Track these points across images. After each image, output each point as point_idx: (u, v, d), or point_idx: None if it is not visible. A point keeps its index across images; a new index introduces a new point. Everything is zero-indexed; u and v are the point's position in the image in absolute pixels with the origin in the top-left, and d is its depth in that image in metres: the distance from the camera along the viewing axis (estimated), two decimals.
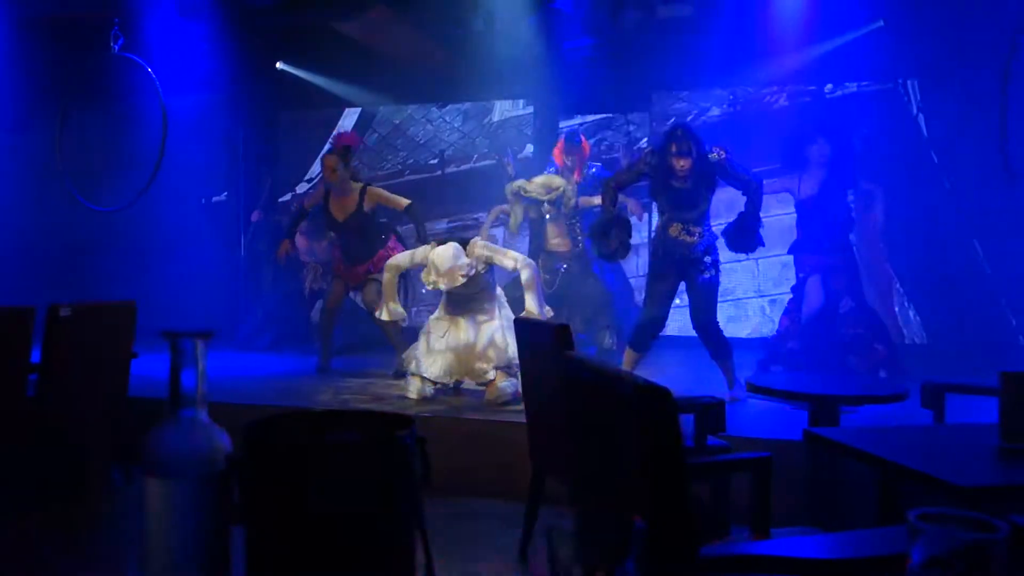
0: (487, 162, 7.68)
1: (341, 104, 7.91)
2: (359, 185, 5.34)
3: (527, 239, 6.02)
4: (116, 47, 5.75)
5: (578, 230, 5.70)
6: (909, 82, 6.63)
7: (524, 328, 2.92)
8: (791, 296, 5.36)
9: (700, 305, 4.33)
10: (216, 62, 6.70)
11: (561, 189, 5.58)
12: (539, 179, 5.71)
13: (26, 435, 3.29)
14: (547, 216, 5.69)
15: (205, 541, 0.88)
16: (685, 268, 4.34)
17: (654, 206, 4.61)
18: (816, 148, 5.10)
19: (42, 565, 2.73)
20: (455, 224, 7.75)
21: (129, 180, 7.06)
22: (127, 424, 3.74)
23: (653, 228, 4.56)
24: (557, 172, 5.96)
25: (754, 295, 6.95)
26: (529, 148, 7.53)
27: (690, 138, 4.17)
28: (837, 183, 5.12)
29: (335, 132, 6.14)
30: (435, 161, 7.85)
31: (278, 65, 7.60)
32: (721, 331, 4.39)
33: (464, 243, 4.32)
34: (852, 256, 5.22)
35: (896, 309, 6.65)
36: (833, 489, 3.06)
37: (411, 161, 7.89)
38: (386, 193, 5.37)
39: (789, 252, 5.32)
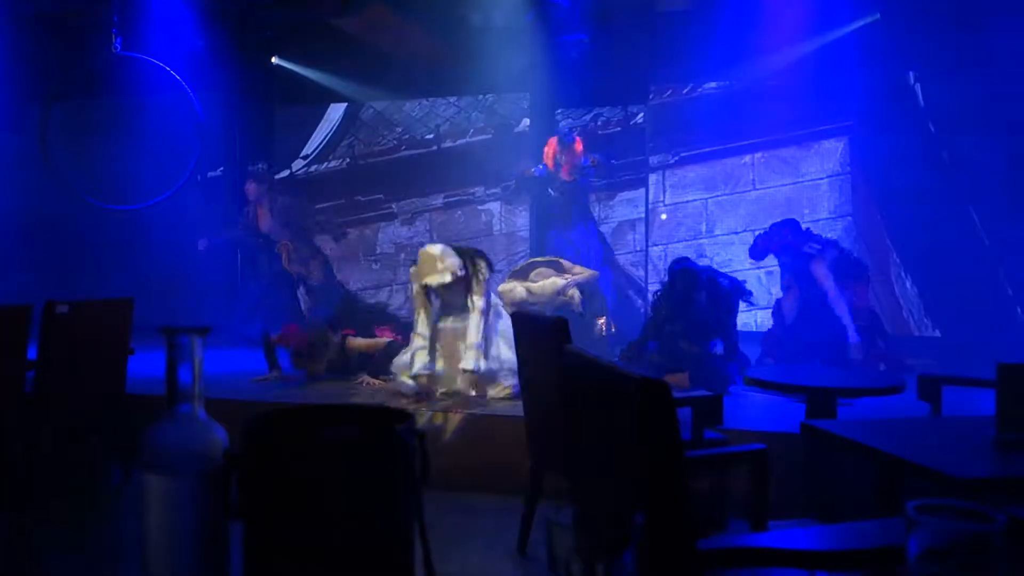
0: (483, 137, 7.66)
1: (337, 99, 7.90)
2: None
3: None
4: (118, 45, 5.73)
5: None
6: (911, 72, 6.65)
7: (522, 322, 2.92)
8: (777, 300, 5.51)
9: None
10: (212, 57, 6.69)
11: (567, 293, 5.26)
12: (545, 285, 5.30)
13: (24, 432, 3.29)
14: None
15: (204, 536, 0.88)
16: None
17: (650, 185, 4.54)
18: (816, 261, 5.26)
19: (41, 562, 2.73)
20: (451, 199, 7.74)
21: (129, 176, 7.07)
22: (125, 421, 3.74)
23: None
24: (545, 172, 5.94)
25: (750, 267, 6.97)
26: (526, 122, 7.50)
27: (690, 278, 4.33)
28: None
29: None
30: (431, 136, 7.84)
31: (273, 60, 7.59)
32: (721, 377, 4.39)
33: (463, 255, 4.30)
34: (849, 260, 5.35)
35: (898, 294, 6.66)
36: (830, 481, 3.07)
37: (407, 136, 7.87)
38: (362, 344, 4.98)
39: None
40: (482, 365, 4.18)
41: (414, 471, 0.88)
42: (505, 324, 4.30)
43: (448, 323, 4.38)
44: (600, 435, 1.57)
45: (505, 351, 4.26)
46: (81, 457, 3.63)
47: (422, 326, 4.36)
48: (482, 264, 4.33)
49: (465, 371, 4.16)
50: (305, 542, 0.84)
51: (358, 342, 4.95)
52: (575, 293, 5.31)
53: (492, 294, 4.49)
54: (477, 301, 4.27)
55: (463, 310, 4.35)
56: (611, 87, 7.07)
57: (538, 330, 2.63)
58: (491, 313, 4.36)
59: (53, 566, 2.73)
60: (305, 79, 7.60)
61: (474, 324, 4.22)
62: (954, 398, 2.88)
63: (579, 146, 6.08)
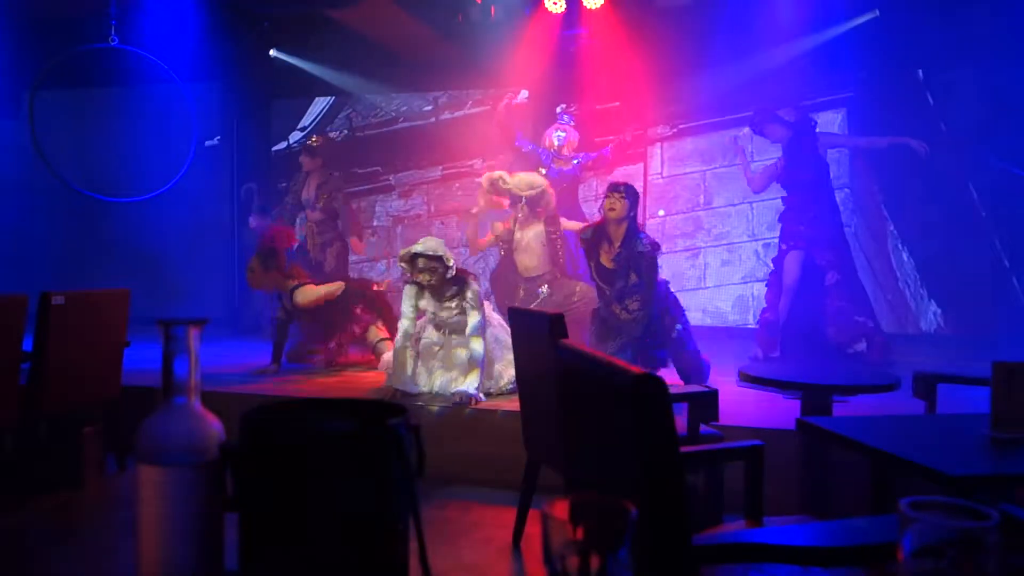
0: (481, 109, 7.64)
1: (335, 92, 7.88)
2: (291, 284, 5.03)
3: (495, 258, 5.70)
4: (115, 38, 5.71)
5: (559, 249, 5.37)
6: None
7: (519, 317, 2.92)
8: (772, 269, 5.50)
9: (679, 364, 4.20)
10: (210, 49, 6.66)
11: (541, 189, 5.27)
12: (522, 175, 5.38)
13: (19, 423, 3.28)
14: (519, 215, 5.31)
15: (199, 528, 0.88)
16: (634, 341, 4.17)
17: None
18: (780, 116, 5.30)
19: (35, 554, 2.73)
20: (449, 171, 7.70)
21: (125, 168, 7.05)
22: (121, 412, 3.74)
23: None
24: (545, 159, 5.99)
25: (748, 239, 6.96)
26: (524, 94, 7.48)
27: (626, 193, 4.12)
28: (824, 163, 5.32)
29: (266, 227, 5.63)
30: (429, 108, 7.80)
31: (272, 53, 7.56)
32: (701, 364, 4.21)
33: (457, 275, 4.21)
34: (841, 235, 5.34)
35: (895, 265, 6.66)
36: (825, 478, 3.08)
37: (404, 108, 7.85)
38: (314, 294, 4.99)
39: (779, 221, 5.45)
40: (481, 395, 4.05)
41: (410, 464, 0.88)
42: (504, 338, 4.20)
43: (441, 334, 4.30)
44: (596, 430, 1.57)
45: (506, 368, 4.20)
46: (76, 448, 3.62)
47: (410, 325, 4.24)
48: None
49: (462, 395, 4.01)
50: (300, 534, 0.84)
51: (306, 289, 4.97)
52: (550, 191, 5.34)
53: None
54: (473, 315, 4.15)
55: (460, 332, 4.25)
56: (611, 82, 7.05)
57: (534, 325, 2.63)
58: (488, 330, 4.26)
59: (47, 557, 2.73)
60: (303, 71, 7.58)
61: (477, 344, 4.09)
62: (950, 395, 2.89)
63: (574, 135, 6.08)
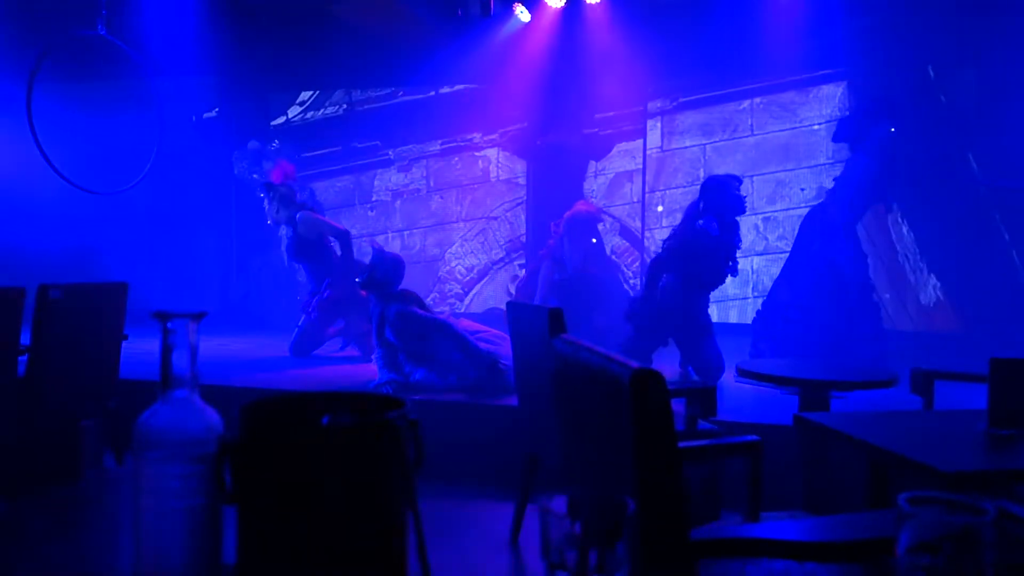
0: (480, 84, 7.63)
1: (331, 87, 7.85)
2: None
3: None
4: (102, 29, 5.67)
5: None
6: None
7: (516, 312, 2.91)
8: (788, 261, 5.48)
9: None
10: (208, 44, 6.65)
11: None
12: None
13: (16, 416, 3.28)
14: None
15: (197, 521, 0.88)
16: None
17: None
18: (880, 128, 5.18)
19: (33, 547, 2.73)
20: (448, 145, 7.67)
21: (115, 161, 7.03)
22: (118, 406, 3.74)
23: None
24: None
25: (748, 213, 6.95)
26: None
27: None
28: (884, 177, 5.25)
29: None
30: None
31: (271, 48, 7.54)
32: (720, 363, 4.38)
33: None
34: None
35: (894, 239, 6.65)
36: (823, 473, 3.08)
37: None
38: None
39: (809, 212, 5.42)
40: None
41: (408, 458, 0.88)
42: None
43: None
44: (594, 424, 1.57)
45: None
46: (74, 442, 3.62)
47: None
48: None
49: None
50: (298, 529, 0.84)
51: None
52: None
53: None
54: None
55: None
56: (612, 83, 7.03)
57: (533, 319, 2.63)
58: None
59: (45, 551, 2.74)
60: (302, 67, 7.56)
61: None
62: (948, 392, 2.90)
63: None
